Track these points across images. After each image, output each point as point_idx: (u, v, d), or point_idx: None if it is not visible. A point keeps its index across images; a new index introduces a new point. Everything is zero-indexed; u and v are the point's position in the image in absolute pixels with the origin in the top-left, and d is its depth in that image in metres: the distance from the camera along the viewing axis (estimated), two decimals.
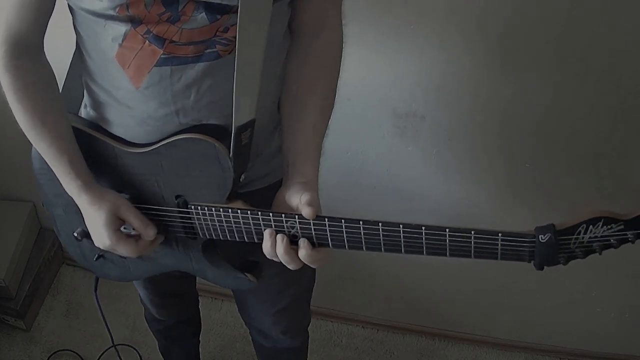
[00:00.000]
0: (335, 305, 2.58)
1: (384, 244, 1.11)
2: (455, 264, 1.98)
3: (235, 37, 1.11)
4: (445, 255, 1.08)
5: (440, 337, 2.59)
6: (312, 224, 1.13)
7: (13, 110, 1.21)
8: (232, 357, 2.53)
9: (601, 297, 2.31)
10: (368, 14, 1.71)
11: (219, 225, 1.23)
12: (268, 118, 1.34)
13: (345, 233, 1.12)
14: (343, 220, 1.12)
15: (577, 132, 1.86)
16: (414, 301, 2.50)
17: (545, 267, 1.04)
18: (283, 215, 1.15)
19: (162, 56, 1.14)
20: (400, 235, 1.09)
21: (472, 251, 1.06)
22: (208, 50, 1.14)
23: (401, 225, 1.08)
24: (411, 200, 2.12)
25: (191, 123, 1.22)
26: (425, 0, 1.66)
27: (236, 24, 1.09)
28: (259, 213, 1.17)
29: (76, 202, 1.28)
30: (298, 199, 1.18)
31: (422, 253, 1.09)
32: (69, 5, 1.16)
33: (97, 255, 1.42)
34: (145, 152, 1.24)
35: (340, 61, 1.32)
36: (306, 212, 1.13)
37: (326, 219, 1.13)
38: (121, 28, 1.12)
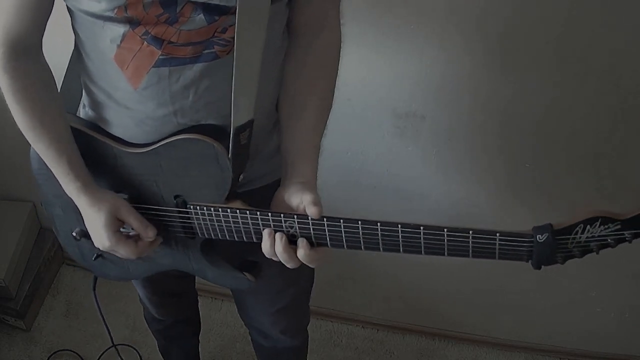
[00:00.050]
0: (335, 305, 2.58)
1: (383, 244, 1.11)
2: (456, 264, 1.99)
3: (233, 38, 1.11)
4: (444, 254, 1.08)
5: (440, 337, 2.59)
6: (310, 224, 1.14)
7: (12, 112, 1.21)
8: (232, 357, 2.53)
9: (601, 297, 2.30)
10: (368, 14, 1.70)
11: (218, 225, 1.24)
12: (266, 118, 1.34)
13: (344, 233, 1.13)
14: (342, 220, 1.12)
15: (577, 132, 1.86)
16: (414, 301, 2.50)
17: (543, 266, 1.05)
18: (282, 215, 1.15)
19: (161, 57, 1.14)
20: (399, 235, 1.09)
21: (470, 251, 1.06)
22: (206, 51, 1.14)
23: (400, 225, 1.09)
24: (411, 200, 2.12)
25: (189, 123, 1.22)
26: (425, 0, 1.66)
27: (234, 24, 1.09)
28: (258, 213, 1.18)
29: (75, 203, 1.28)
30: (298, 199, 1.18)
31: (420, 253, 1.10)
32: (67, 7, 1.16)
33: (95, 255, 1.42)
34: (144, 152, 1.24)
35: (339, 61, 1.32)
36: (311, 211, 1.13)
37: (325, 219, 1.13)
38: (119, 29, 1.12)
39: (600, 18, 1.61)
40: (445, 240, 1.07)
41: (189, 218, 1.26)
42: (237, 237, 1.23)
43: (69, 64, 1.38)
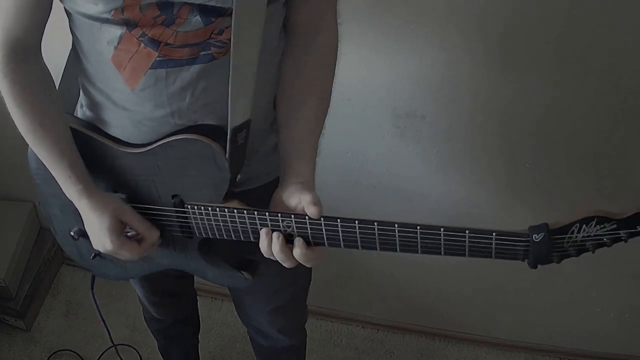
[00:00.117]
0: (335, 305, 2.58)
1: (379, 243, 1.12)
2: (456, 264, 1.99)
3: (230, 40, 1.11)
4: (440, 254, 1.09)
5: (440, 337, 2.58)
6: (308, 223, 1.14)
7: (12, 115, 1.21)
8: (232, 357, 2.53)
9: (601, 297, 2.30)
10: (368, 14, 1.70)
11: (215, 225, 1.24)
12: (263, 117, 1.34)
13: (341, 232, 1.13)
14: (339, 220, 1.12)
15: (577, 132, 1.86)
16: (414, 301, 2.50)
17: (539, 265, 1.05)
18: (279, 214, 1.16)
19: (157, 59, 1.14)
20: (396, 235, 1.09)
21: (467, 250, 1.07)
22: (203, 53, 1.14)
23: (396, 225, 1.09)
24: (411, 200, 2.12)
25: (187, 124, 1.22)
26: (425, 0, 1.66)
27: (231, 26, 1.09)
28: (255, 212, 1.18)
29: (76, 205, 1.28)
30: (297, 199, 1.18)
31: (417, 252, 1.10)
32: (65, 9, 1.16)
33: (93, 254, 1.42)
34: (142, 152, 1.24)
35: (336, 61, 1.32)
36: (311, 211, 1.13)
37: (322, 219, 1.13)
38: (116, 31, 1.12)
39: (600, 18, 1.61)
40: (442, 240, 1.07)
41: (186, 218, 1.27)
42: (235, 236, 1.23)
43: (66, 64, 1.38)
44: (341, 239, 1.14)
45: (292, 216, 1.15)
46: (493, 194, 2.07)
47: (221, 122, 1.20)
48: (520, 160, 1.96)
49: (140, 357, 2.49)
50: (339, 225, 1.12)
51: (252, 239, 1.21)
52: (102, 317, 1.66)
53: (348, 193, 2.11)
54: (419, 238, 1.08)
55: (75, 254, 1.47)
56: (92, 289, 1.57)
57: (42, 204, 1.42)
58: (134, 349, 2.49)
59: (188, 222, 1.27)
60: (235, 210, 1.20)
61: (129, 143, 1.27)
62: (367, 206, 2.13)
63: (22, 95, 1.19)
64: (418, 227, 1.07)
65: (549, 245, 1.02)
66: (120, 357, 2.10)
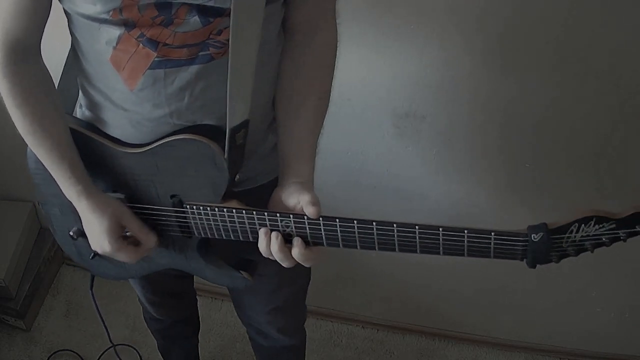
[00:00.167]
0: (335, 305, 2.58)
1: (378, 243, 1.12)
2: (456, 264, 1.99)
3: (228, 40, 1.11)
4: (439, 253, 1.09)
5: (440, 337, 2.58)
6: (307, 223, 1.14)
7: (12, 117, 1.21)
8: (232, 357, 2.53)
9: (601, 297, 2.30)
10: (368, 14, 1.70)
11: (214, 225, 1.24)
12: (262, 117, 1.34)
13: (340, 232, 1.13)
14: (337, 220, 1.12)
15: (577, 132, 1.86)
16: (414, 301, 2.50)
17: (538, 265, 1.05)
18: (278, 214, 1.16)
19: (156, 59, 1.14)
20: (394, 234, 1.09)
21: (466, 250, 1.07)
22: (201, 53, 1.14)
23: (395, 225, 1.09)
24: (411, 200, 2.12)
25: (186, 124, 1.22)
26: (425, 0, 1.66)
27: (229, 26, 1.09)
28: (254, 212, 1.18)
29: (75, 206, 1.28)
30: (295, 199, 1.19)
31: (415, 252, 1.10)
32: (64, 9, 1.16)
33: (93, 254, 1.42)
34: (141, 152, 1.24)
35: (335, 61, 1.32)
36: (310, 211, 1.13)
37: (320, 218, 1.13)
38: (115, 31, 1.12)
39: (600, 18, 1.60)
40: (441, 240, 1.07)
41: (185, 218, 1.27)
42: (234, 236, 1.23)
43: (65, 64, 1.38)
44: (340, 239, 1.14)
45: (291, 216, 1.15)
46: (493, 194, 2.06)
47: (220, 122, 1.20)
48: (520, 160, 1.96)
49: (140, 357, 2.49)
50: (338, 225, 1.12)
51: (251, 239, 1.21)
52: (101, 317, 1.67)
53: (348, 193, 2.11)
54: (417, 238, 1.08)
55: (75, 253, 1.47)
56: (92, 288, 1.57)
57: (42, 204, 1.42)
58: (134, 349, 2.49)
59: (187, 222, 1.27)
60: (234, 210, 1.20)
61: (128, 143, 1.27)
62: (367, 206, 2.12)
63: (21, 96, 1.19)
64: (417, 227, 1.07)
65: (547, 245, 1.02)
66: (120, 357, 2.10)
